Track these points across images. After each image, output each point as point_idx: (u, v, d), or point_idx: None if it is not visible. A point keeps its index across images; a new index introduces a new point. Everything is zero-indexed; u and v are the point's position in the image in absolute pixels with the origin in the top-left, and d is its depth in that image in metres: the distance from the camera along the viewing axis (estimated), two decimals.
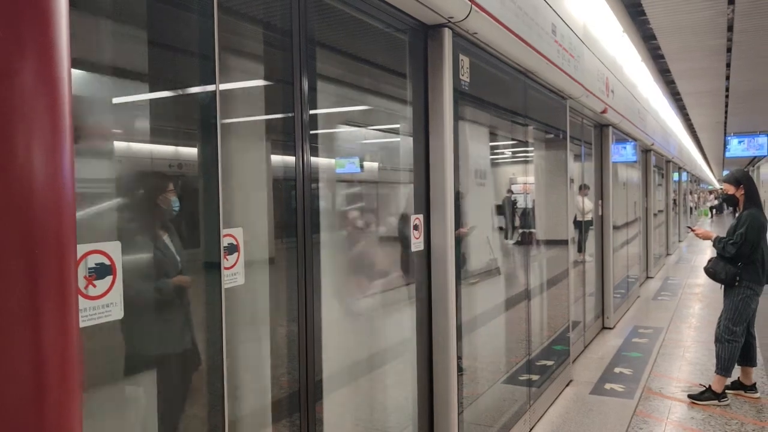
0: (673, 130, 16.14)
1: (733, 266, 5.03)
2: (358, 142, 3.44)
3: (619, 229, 8.83)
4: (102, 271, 1.55)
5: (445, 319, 3.28)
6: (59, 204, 1.02)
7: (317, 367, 2.47)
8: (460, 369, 3.40)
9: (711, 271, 5.20)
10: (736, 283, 5.03)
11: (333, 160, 3.04)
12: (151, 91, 1.96)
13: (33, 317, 0.98)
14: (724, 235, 5.19)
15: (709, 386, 5.18)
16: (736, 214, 5.37)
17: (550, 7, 4.50)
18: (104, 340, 1.70)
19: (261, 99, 2.50)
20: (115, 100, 1.85)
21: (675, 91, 13.34)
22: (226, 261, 1.95)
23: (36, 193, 0.98)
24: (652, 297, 10.26)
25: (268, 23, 2.47)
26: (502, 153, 5.22)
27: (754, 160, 28.35)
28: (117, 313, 1.59)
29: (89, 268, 1.52)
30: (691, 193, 29.69)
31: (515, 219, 5.20)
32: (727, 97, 13.56)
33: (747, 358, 5.29)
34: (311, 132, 2.42)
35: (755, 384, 5.34)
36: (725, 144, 17.61)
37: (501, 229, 4.96)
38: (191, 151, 2.06)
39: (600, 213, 8.09)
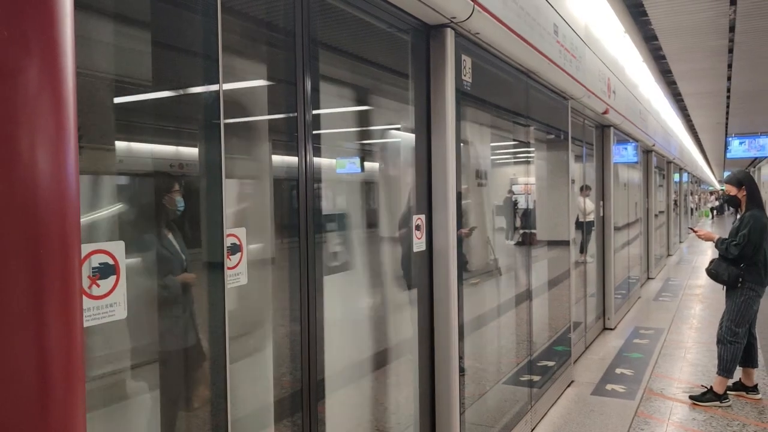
0: (674, 131, 16.13)
1: (736, 267, 5.03)
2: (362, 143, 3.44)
3: (620, 230, 8.82)
4: (106, 270, 1.54)
5: (447, 319, 3.28)
6: (63, 203, 1.02)
7: (320, 366, 2.47)
8: (461, 369, 3.40)
9: (713, 272, 5.20)
10: (739, 285, 5.02)
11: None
12: (155, 91, 1.96)
13: (37, 316, 0.98)
14: (726, 236, 5.18)
15: (711, 387, 5.17)
16: (738, 216, 5.36)
17: (552, 7, 4.50)
18: (109, 335, 1.70)
19: (264, 99, 2.50)
20: (120, 101, 1.85)
21: (676, 91, 13.33)
22: (229, 261, 1.95)
23: (40, 193, 0.98)
24: (653, 298, 10.25)
25: (271, 23, 2.47)
26: (504, 153, 5.22)
27: (755, 161, 28.32)
28: (120, 312, 1.59)
29: (93, 268, 1.52)
30: (691, 194, 29.67)
31: (516, 220, 5.19)
32: (728, 98, 13.55)
33: (749, 360, 5.29)
34: (314, 132, 2.42)
35: (757, 385, 5.33)
36: (726, 145, 17.60)
37: (502, 229, 4.96)
38: (196, 152, 2.06)
39: (601, 214, 8.08)
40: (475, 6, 3.08)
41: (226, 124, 1.90)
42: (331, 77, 2.89)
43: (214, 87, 1.89)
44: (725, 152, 18.12)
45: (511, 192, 5.44)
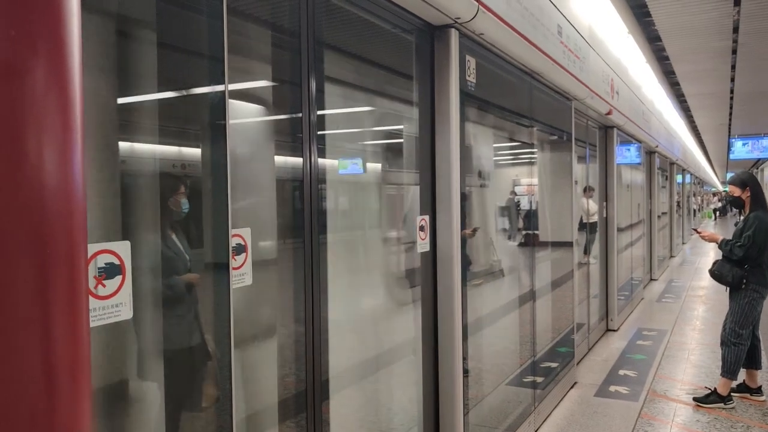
0: (678, 132, 16.11)
1: (740, 269, 5.01)
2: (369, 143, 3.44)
3: (623, 231, 8.81)
4: (111, 270, 1.54)
5: (451, 320, 3.27)
6: (70, 203, 1.02)
7: (324, 367, 2.47)
8: (465, 370, 3.39)
9: (717, 273, 5.18)
10: (743, 286, 5.01)
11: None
12: (161, 92, 1.96)
13: (44, 317, 0.97)
14: (730, 238, 5.17)
15: (715, 389, 5.16)
16: (741, 217, 5.35)
17: (556, 7, 4.49)
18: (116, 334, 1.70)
19: (269, 100, 2.50)
20: (126, 101, 1.85)
21: (679, 92, 13.31)
22: (234, 261, 1.95)
23: (47, 192, 0.98)
24: (656, 299, 10.23)
25: (277, 25, 2.47)
26: (507, 154, 5.21)
27: (758, 162, 28.27)
28: (126, 313, 1.59)
29: (99, 268, 1.52)
30: (694, 195, 29.63)
31: (519, 220, 5.19)
32: (731, 99, 13.53)
33: (752, 361, 5.27)
34: (318, 133, 2.42)
35: (761, 387, 5.32)
36: (729, 146, 17.59)
37: (505, 230, 4.96)
38: (202, 152, 2.06)
39: (604, 215, 8.07)
40: (480, 6, 3.08)
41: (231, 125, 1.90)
42: (336, 78, 2.89)
43: (219, 87, 1.89)
44: (728, 153, 18.12)
45: (513, 193, 5.44)
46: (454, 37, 3.21)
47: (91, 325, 1.46)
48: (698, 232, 5.72)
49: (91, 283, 1.49)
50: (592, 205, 7.74)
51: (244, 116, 2.32)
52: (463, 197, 3.37)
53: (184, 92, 2.06)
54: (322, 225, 2.50)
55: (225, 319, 1.90)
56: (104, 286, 1.53)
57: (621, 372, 6.02)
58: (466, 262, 3.45)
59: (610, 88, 6.77)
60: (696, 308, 9.33)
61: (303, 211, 2.35)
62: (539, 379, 4.78)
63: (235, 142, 1.95)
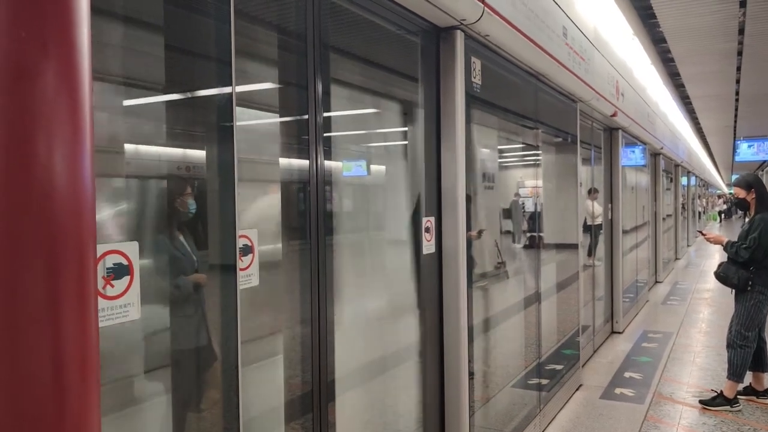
0: (682, 134, 16.07)
1: (746, 271, 4.99)
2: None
3: (628, 233, 8.79)
4: (120, 271, 1.55)
5: (457, 321, 3.27)
6: (79, 204, 1.03)
7: (330, 368, 2.47)
8: (470, 372, 3.39)
9: (722, 275, 5.17)
10: (748, 288, 4.99)
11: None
12: (168, 94, 1.97)
13: (54, 317, 0.98)
14: (735, 240, 5.15)
15: (721, 392, 5.14)
16: (747, 219, 5.33)
17: (561, 9, 4.50)
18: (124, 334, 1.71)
19: (276, 102, 2.51)
20: (134, 103, 1.86)
21: (684, 94, 13.29)
22: (241, 262, 1.95)
23: (57, 194, 0.99)
24: (662, 301, 10.20)
25: (283, 27, 2.48)
26: (512, 156, 5.21)
27: (763, 164, 28.16)
28: (134, 313, 1.59)
29: (107, 268, 1.53)
30: (699, 197, 29.54)
31: (524, 222, 5.18)
32: (737, 100, 13.50)
33: (759, 364, 5.25)
34: (324, 134, 2.42)
35: None
36: (735, 148, 17.53)
37: (509, 232, 4.95)
38: (208, 154, 2.07)
39: (609, 217, 8.06)
40: (485, 8, 3.08)
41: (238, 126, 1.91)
42: (342, 80, 2.90)
43: (226, 89, 1.90)
44: (734, 155, 18.06)
45: (517, 195, 5.44)
46: (459, 38, 3.21)
47: (100, 325, 1.47)
48: (703, 235, 5.70)
49: (100, 283, 1.50)
50: (597, 207, 7.73)
51: (252, 118, 2.33)
52: (468, 199, 3.37)
53: (192, 94, 2.06)
54: (328, 226, 2.51)
55: (232, 320, 1.90)
56: (113, 286, 1.54)
57: (626, 374, 6.01)
58: (471, 264, 3.45)
59: (615, 89, 6.76)
60: (701, 311, 9.30)
61: (309, 213, 2.36)
62: (544, 381, 4.77)
63: (242, 143, 1.96)
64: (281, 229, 2.48)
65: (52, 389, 0.99)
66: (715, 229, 28.44)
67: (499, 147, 4.62)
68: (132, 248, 1.59)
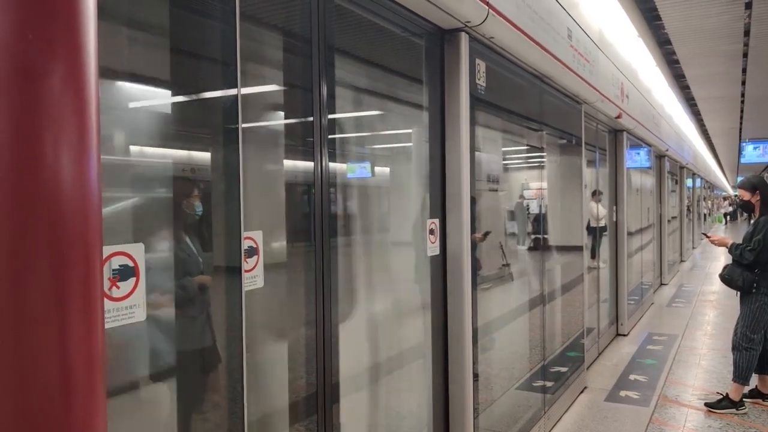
0: (688, 136, 16.03)
1: (751, 273, 4.97)
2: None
3: (633, 236, 8.77)
4: (126, 272, 1.56)
5: (461, 323, 3.27)
6: (86, 206, 1.03)
7: (334, 369, 2.47)
8: (475, 374, 3.38)
9: (727, 278, 5.15)
10: (753, 290, 4.97)
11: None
12: (175, 96, 1.97)
13: (60, 318, 0.98)
14: (740, 242, 5.13)
15: (727, 394, 5.12)
16: (752, 221, 5.31)
17: (566, 11, 4.49)
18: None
19: (281, 104, 2.52)
20: (140, 105, 1.86)
21: (689, 96, 13.26)
22: (246, 264, 1.95)
23: (63, 195, 0.99)
24: (667, 304, 10.17)
25: (288, 30, 2.48)
26: (516, 158, 5.20)
27: None
28: (140, 314, 1.60)
29: (113, 270, 1.53)
30: (704, 199, 29.44)
31: (528, 224, 5.17)
32: (742, 102, 13.46)
33: (764, 366, 5.23)
34: (329, 137, 2.43)
35: None
36: (740, 150, 17.48)
37: (514, 234, 4.94)
38: (214, 156, 2.08)
39: (615, 219, 8.04)
40: (490, 10, 3.08)
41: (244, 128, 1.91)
42: (347, 82, 2.90)
43: (232, 91, 1.91)
44: (739, 157, 18.01)
45: (522, 197, 5.43)
46: (464, 40, 3.21)
47: (106, 326, 1.47)
48: (708, 237, 5.69)
49: (106, 284, 1.50)
50: (601, 210, 7.71)
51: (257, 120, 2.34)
52: (472, 201, 3.37)
53: (198, 96, 2.07)
54: (333, 228, 2.51)
55: (237, 322, 1.91)
56: (118, 288, 1.54)
57: (631, 377, 5.99)
58: (475, 266, 3.45)
59: (620, 91, 6.75)
60: (707, 313, 9.27)
61: (314, 214, 2.36)
62: (549, 384, 4.76)
63: (248, 145, 1.96)
64: (286, 230, 2.48)
65: (58, 390, 0.99)
66: (720, 231, 28.34)
67: (504, 149, 4.62)
68: (138, 250, 1.59)
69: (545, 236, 5.13)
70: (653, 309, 9.73)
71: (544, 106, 4.74)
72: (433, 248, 3.22)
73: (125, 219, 1.75)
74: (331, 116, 2.45)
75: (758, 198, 5.17)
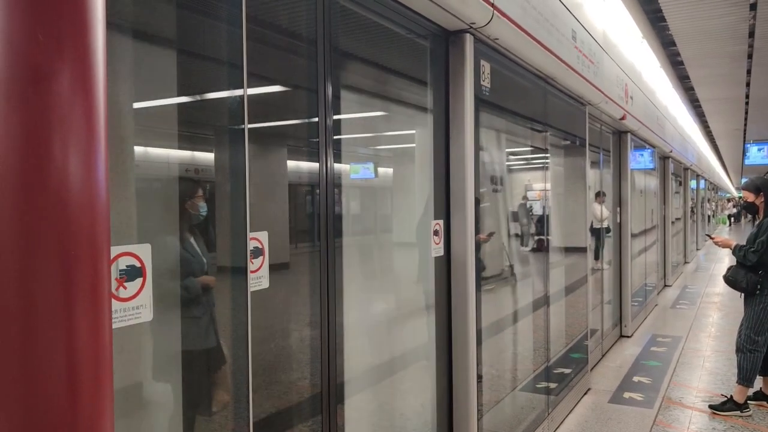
0: (692, 138, 16.00)
1: (754, 274, 4.96)
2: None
3: (636, 237, 8.76)
4: (132, 273, 1.56)
5: (465, 324, 3.27)
6: (94, 206, 1.03)
7: (339, 369, 2.47)
8: (479, 375, 3.38)
9: (731, 279, 5.13)
10: (757, 292, 4.96)
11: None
12: (181, 97, 1.98)
13: (68, 318, 0.99)
14: (744, 243, 5.12)
15: (731, 396, 5.10)
16: (756, 222, 5.30)
17: (570, 12, 4.49)
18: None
19: (286, 105, 2.52)
20: (147, 106, 1.87)
21: (694, 97, 13.24)
22: (252, 264, 1.96)
23: (71, 195, 0.99)
24: (670, 305, 10.15)
25: (293, 32, 2.49)
26: (520, 159, 5.20)
27: None
28: (147, 315, 1.60)
29: (120, 270, 1.54)
30: (708, 200, 29.38)
31: (531, 226, 5.17)
32: (747, 104, 13.43)
33: None
34: (334, 137, 2.43)
35: None
36: (744, 151, 17.44)
37: (517, 235, 4.94)
38: (220, 156, 2.08)
39: (618, 220, 8.03)
40: (495, 11, 3.08)
41: (250, 129, 1.92)
42: (352, 83, 2.91)
43: (238, 92, 1.91)
44: (743, 159, 17.96)
45: (525, 198, 5.42)
46: (468, 42, 3.21)
47: (113, 326, 1.48)
48: (712, 238, 5.67)
49: (113, 285, 1.51)
50: (604, 211, 7.70)
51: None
52: (476, 202, 3.37)
53: (205, 97, 2.08)
54: (338, 229, 2.51)
55: (242, 322, 1.91)
56: (125, 288, 1.54)
57: (635, 378, 5.98)
58: (479, 267, 3.45)
59: (625, 92, 6.74)
60: (711, 315, 9.24)
61: (319, 214, 2.36)
62: (553, 385, 4.75)
63: (253, 146, 1.96)
64: (290, 231, 2.49)
65: (66, 390, 0.99)
66: (724, 232, 28.27)
67: (508, 150, 4.62)
68: (144, 250, 1.60)
69: (549, 237, 5.13)
70: (657, 311, 9.71)
71: (548, 108, 4.74)
72: (438, 249, 3.22)
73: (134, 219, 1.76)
74: (336, 117, 2.46)
75: (762, 200, 5.16)
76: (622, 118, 6.79)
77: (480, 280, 3.43)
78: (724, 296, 10.62)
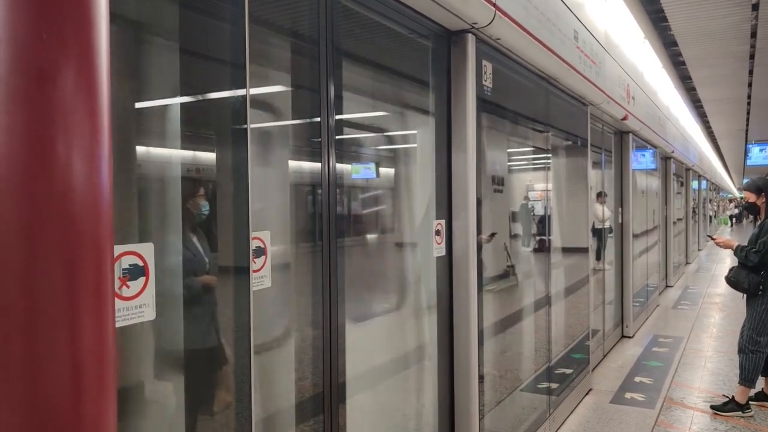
0: (694, 138, 15.98)
1: (756, 275, 4.96)
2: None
3: (638, 237, 8.75)
4: (135, 272, 1.56)
5: (467, 325, 3.27)
6: (97, 205, 1.04)
7: (341, 369, 2.47)
8: (480, 375, 3.38)
9: (733, 280, 5.13)
10: (759, 293, 4.95)
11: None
12: (184, 96, 1.98)
13: (71, 317, 0.99)
14: (746, 244, 5.11)
15: (733, 397, 5.10)
16: (758, 223, 5.29)
17: (572, 13, 4.49)
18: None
19: (288, 105, 2.52)
20: (150, 105, 1.87)
21: (696, 98, 13.23)
22: (254, 264, 1.96)
23: (75, 194, 0.99)
24: (672, 306, 10.14)
25: (295, 31, 2.49)
26: (522, 159, 5.20)
27: None
28: (150, 314, 1.61)
29: (123, 269, 1.54)
30: (710, 201, 29.35)
31: (533, 226, 5.17)
32: (749, 104, 13.42)
33: None
34: (336, 137, 2.43)
35: None
36: (746, 152, 17.43)
37: (519, 236, 4.94)
38: (223, 156, 2.08)
39: (620, 221, 8.02)
40: (497, 12, 3.08)
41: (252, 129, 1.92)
42: (354, 83, 2.91)
43: (240, 92, 1.91)
44: (745, 159, 17.95)
45: (527, 198, 5.42)
46: (470, 42, 3.21)
47: (116, 325, 1.48)
48: (713, 239, 5.67)
49: (116, 284, 1.51)
50: (606, 211, 7.70)
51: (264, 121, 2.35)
52: (477, 202, 3.37)
53: (207, 97, 2.08)
54: (340, 229, 2.51)
55: (245, 322, 1.91)
56: (128, 287, 1.55)
57: (637, 379, 5.97)
58: (481, 267, 3.45)
59: (626, 93, 6.74)
60: (712, 315, 9.24)
61: (321, 215, 2.36)
62: (554, 386, 4.75)
63: (256, 146, 1.97)
64: (292, 231, 2.49)
65: (69, 389, 1.00)
66: (726, 233, 28.24)
67: (510, 150, 4.62)
68: (147, 249, 1.60)
69: (550, 238, 5.13)
70: (659, 311, 9.71)
71: (550, 108, 4.74)
72: (439, 249, 3.22)
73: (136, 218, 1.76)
74: (338, 117, 2.46)
75: (764, 200, 5.15)
76: (624, 119, 6.79)
77: (482, 280, 3.43)
78: (726, 297, 10.61)
